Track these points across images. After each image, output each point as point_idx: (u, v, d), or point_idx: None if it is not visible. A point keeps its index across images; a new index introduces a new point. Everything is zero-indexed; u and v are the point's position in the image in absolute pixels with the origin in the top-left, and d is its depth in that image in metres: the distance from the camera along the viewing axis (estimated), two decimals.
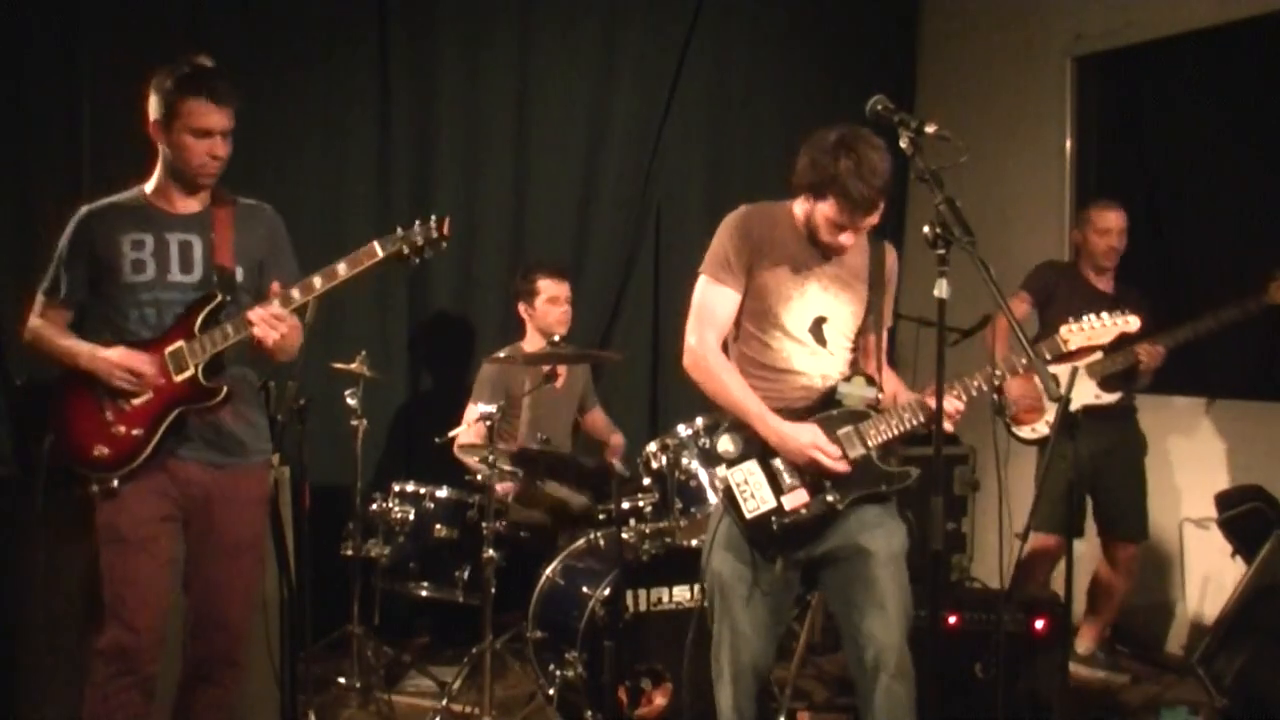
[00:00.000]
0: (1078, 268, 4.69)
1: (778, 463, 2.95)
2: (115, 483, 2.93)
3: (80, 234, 3.04)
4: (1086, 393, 4.36)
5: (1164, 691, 4.54)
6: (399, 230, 3.06)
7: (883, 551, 2.93)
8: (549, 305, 4.71)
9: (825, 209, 2.88)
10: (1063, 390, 3.03)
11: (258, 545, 3.20)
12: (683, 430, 4.00)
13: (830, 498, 2.93)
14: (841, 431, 2.95)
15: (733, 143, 5.78)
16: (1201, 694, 4.12)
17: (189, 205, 3.05)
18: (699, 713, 3.17)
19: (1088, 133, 5.56)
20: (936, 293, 2.61)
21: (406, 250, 3.03)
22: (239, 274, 3.06)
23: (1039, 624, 3.92)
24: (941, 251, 2.58)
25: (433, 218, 3.07)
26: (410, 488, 4.32)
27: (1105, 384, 4.44)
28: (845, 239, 2.93)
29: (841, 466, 2.91)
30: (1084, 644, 4.69)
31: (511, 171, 5.32)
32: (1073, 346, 3.22)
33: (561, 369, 4.62)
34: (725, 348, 3.04)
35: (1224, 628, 4.10)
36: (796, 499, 2.93)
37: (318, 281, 2.98)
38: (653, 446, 4.09)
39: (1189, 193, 5.20)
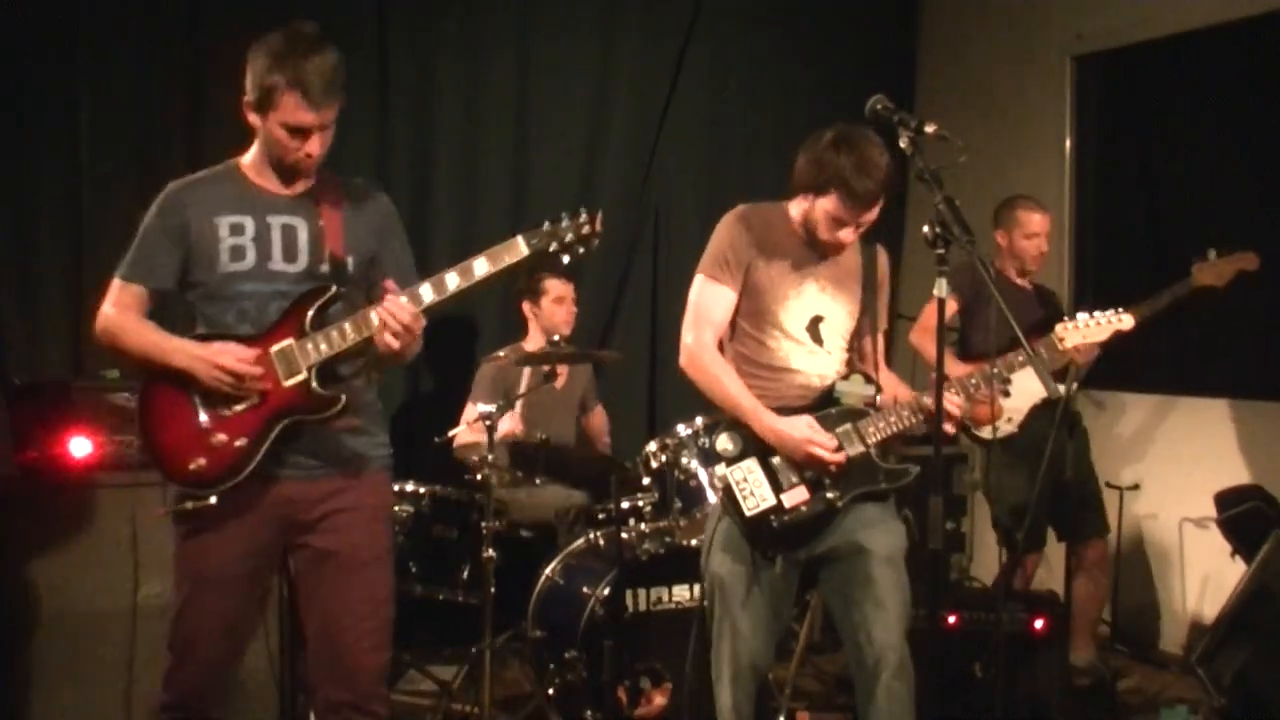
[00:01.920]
0: (998, 268, 4.55)
1: (777, 461, 2.94)
2: (213, 499, 2.55)
3: (171, 212, 2.65)
4: (1036, 390, 4.24)
5: (1163, 691, 4.53)
6: (546, 225, 2.68)
7: (882, 550, 2.93)
8: (555, 305, 4.74)
9: (826, 205, 2.88)
10: (1050, 392, 3.03)
11: (386, 561, 2.77)
12: (682, 429, 4.01)
13: (830, 495, 2.92)
14: (840, 429, 2.95)
15: (731, 143, 5.78)
16: (1201, 693, 4.12)
17: (292, 186, 2.70)
18: (700, 713, 3.16)
19: (1088, 133, 5.56)
20: (936, 292, 2.61)
21: (555, 247, 2.66)
22: (350, 264, 2.68)
23: (1038, 624, 3.92)
24: (941, 251, 2.59)
25: (583, 211, 2.72)
26: (410, 487, 4.31)
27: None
28: (845, 236, 2.94)
29: (838, 459, 2.90)
30: (1081, 655, 4.48)
31: (511, 172, 5.32)
32: (1069, 344, 3.22)
33: (562, 368, 4.62)
34: (721, 347, 3.04)
35: (1223, 627, 4.09)
36: (796, 496, 2.92)
37: (452, 280, 2.60)
38: (652, 446, 4.09)
39: (1188, 192, 5.20)
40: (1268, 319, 4.68)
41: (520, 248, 2.62)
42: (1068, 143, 5.55)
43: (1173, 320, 4.32)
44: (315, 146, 2.63)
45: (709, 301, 3.00)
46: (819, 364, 3.02)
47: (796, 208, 2.99)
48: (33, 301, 4.38)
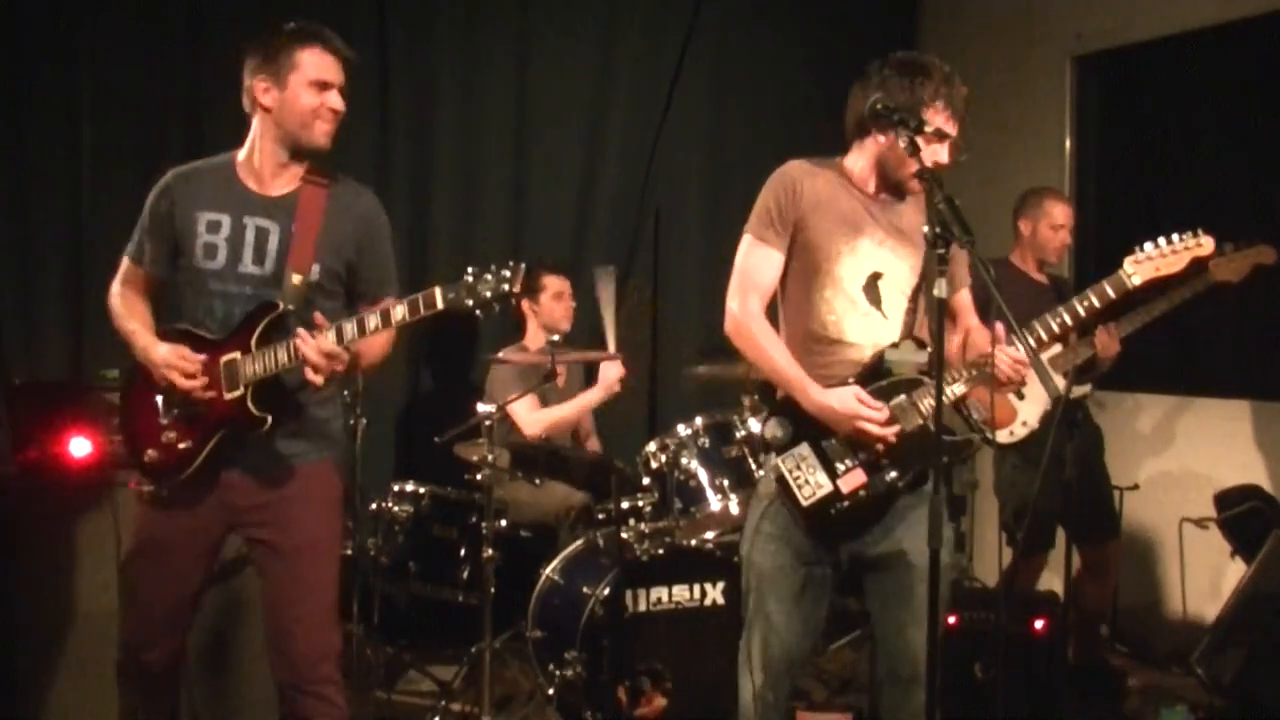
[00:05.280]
0: (1012, 261, 4.48)
1: (829, 443, 2.74)
2: (164, 492, 2.74)
3: (161, 201, 2.81)
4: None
5: (1163, 691, 4.53)
6: (468, 276, 2.63)
7: (926, 566, 2.76)
8: (554, 302, 4.75)
9: (928, 121, 2.64)
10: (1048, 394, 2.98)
11: (324, 548, 2.85)
12: (682, 430, 4.01)
13: (890, 475, 2.72)
14: (894, 402, 2.74)
15: (732, 143, 5.78)
16: (1201, 694, 4.12)
17: (278, 185, 2.79)
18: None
19: (1088, 132, 5.57)
20: (936, 292, 2.59)
21: (471, 302, 2.63)
22: (315, 272, 2.76)
23: (1038, 624, 3.92)
24: (941, 251, 2.57)
25: (508, 265, 2.63)
26: (410, 487, 4.32)
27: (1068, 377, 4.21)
28: (943, 157, 2.71)
29: (888, 433, 2.70)
30: (1082, 655, 4.51)
31: (511, 172, 5.33)
32: (1139, 280, 2.85)
33: (561, 367, 4.61)
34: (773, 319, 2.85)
35: (1223, 627, 4.09)
36: (853, 480, 2.72)
37: (372, 322, 2.67)
38: (652, 446, 4.09)
39: (1188, 193, 5.20)
40: (1269, 319, 4.68)
41: (437, 301, 2.68)
42: (1068, 143, 5.55)
43: (1175, 321, 4.32)
44: (339, 103, 2.77)
45: (755, 265, 2.81)
46: (874, 330, 2.81)
47: (863, 155, 2.83)
48: (33, 301, 4.39)
